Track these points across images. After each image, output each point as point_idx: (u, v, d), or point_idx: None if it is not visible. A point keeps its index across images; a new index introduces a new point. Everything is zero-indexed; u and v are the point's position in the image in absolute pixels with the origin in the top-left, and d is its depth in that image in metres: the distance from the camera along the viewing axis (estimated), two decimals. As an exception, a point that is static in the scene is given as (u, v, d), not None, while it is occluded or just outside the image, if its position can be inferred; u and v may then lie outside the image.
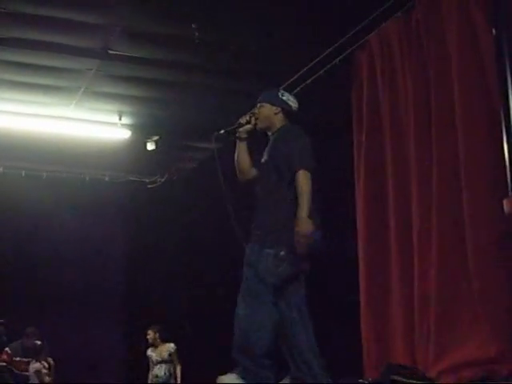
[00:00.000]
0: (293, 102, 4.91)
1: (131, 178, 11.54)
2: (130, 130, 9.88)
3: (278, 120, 4.83)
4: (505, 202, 5.27)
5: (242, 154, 4.87)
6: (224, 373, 4.42)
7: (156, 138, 10.07)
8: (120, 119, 9.68)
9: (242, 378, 4.26)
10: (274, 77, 8.32)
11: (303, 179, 4.45)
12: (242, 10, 7.05)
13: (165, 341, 10.17)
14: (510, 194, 5.30)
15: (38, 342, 10.16)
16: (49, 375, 10.23)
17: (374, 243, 7.14)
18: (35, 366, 10.10)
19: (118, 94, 9.07)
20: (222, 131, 4.90)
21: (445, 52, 6.27)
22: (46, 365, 10.20)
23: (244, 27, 7.46)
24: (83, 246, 11.30)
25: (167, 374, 10.13)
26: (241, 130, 4.84)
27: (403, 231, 6.68)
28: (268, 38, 7.61)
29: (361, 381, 5.05)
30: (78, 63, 8.20)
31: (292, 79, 8.24)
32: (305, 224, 4.38)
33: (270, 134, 4.89)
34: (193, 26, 7.23)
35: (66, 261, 11.15)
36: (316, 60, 7.83)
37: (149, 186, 11.48)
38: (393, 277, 6.81)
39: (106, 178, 11.30)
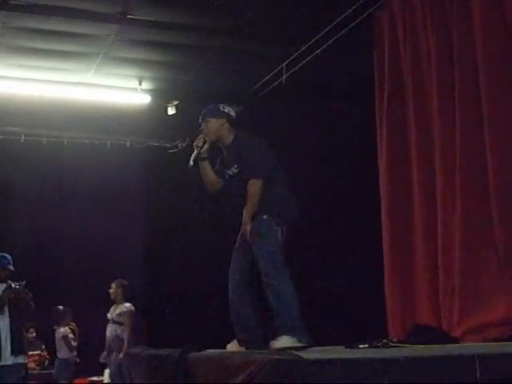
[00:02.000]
0: (232, 112, 5.35)
1: (152, 144, 11.53)
2: (150, 95, 9.87)
3: (226, 130, 5.28)
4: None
5: (206, 171, 5.38)
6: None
7: (176, 102, 10.04)
8: (140, 84, 9.67)
9: (295, 337, 4.68)
10: (295, 39, 8.27)
11: (252, 188, 5.05)
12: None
13: (127, 300, 9.28)
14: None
15: (61, 307, 10.27)
16: (74, 340, 10.35)
17: (398, 204, 7.11)
18: (61, 331, 10.23)
19: (138, 58, 9.04)
20: (192, 163, 5.34)
21: (467, 9, 6.17)
22: (69, 330, 10.32)
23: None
24: (104, 212, 11.35)
25: (113, 334, 9.05)
26: (201, 151, 5.30)
27: (427, 191, 6.65)
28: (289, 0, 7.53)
29: (385, 341, 5.04)
30: (97, 28, 8.18)
31: (313, 41, 8.17)
32: (245, 225, 5.05)
33: (222, 145, 5.35)
34: (211, -12, 7.18)
35: (87, 227, 11.21)
36: (337, 21, 7.74)
37: (169, 151, 11.45)
38: (416, 237, 6.79)
39: (127, 144, 11.28)
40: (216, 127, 5.26)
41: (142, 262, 11.73)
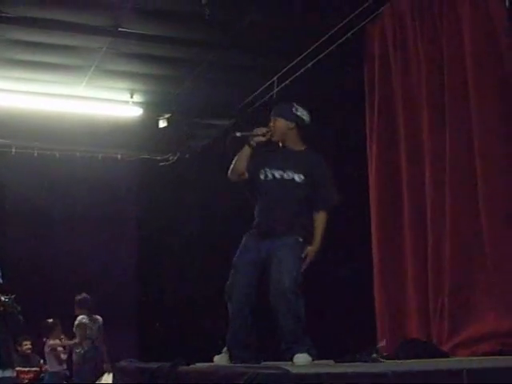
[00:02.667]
0: (306, 116, 5.16)
1: (143, 156, 11.54)
2: (142, 107, 9.87)
3: (294, 135, 5.11)
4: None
5: (244, 157, 5.08)
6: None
7: (168, 115, 10.05)
8: (131, 97, 9.67)
9: (312, 356, 4.67)
10: (286, 52, 8.29)
11: (324, 219, 5.03)
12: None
13: (87, 312, 9.70)
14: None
15: (50, 320, 10.21)
16: (64, 352, 10.28)
17: (387, 217, 7.11)
18: (50, 343, 10.16)
19: (130, 71, 9.05)
20: (239, 134, 5.10)
21: (458, 24, 6.21)
22: (59, 342, 10.25)
23: (255, 2, 7.41)
24: (96, 225, 11.34)
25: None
26: (254, 139, 5.05)
27: (417, 204, 6.66)
28: (279, 13, 7.55)
29: (375, 356, 5.03)
30: (89, 41, 8.18)
31: (304, 54, 8.19)
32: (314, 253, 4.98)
33: (282, 144, 5.14)
34: (203, 1, 7.18)
35: (78, 239, 11.18)
36: (328, 34, 7.77)
37: (161, 164, 11.46)
38: (406, 251, 6.79)
39: (119, 157, 11.29)
40: (284, 129, 5.07)
41: (133, 275, 11.70)
